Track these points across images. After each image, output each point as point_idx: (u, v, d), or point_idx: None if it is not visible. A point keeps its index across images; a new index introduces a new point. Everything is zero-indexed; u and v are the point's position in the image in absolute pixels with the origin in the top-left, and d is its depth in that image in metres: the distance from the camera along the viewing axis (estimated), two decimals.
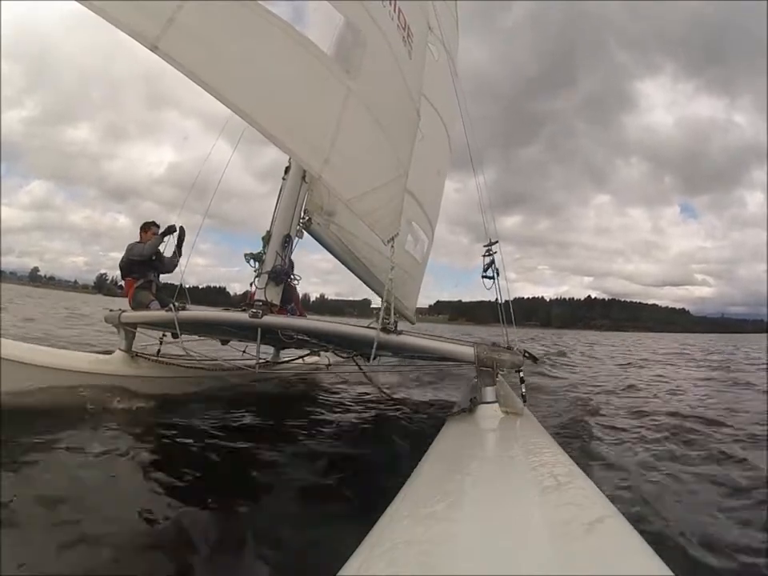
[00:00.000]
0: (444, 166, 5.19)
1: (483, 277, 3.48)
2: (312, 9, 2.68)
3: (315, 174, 2.05)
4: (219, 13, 1.76)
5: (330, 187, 2.12)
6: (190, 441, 2.75)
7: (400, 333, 2.42)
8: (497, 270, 3.43)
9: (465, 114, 4.26)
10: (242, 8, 1.83)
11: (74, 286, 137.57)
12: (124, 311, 3.53)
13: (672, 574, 0.75)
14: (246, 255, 3.23)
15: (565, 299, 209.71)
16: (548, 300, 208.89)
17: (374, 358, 2.61)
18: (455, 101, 4.46)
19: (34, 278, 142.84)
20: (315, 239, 3.71)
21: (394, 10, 2.69)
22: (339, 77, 2.23)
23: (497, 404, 2.17)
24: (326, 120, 2.12)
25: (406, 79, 2.76)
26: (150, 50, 1.49)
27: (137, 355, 3.57)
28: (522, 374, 2.41)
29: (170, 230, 3.97)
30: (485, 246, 3.57)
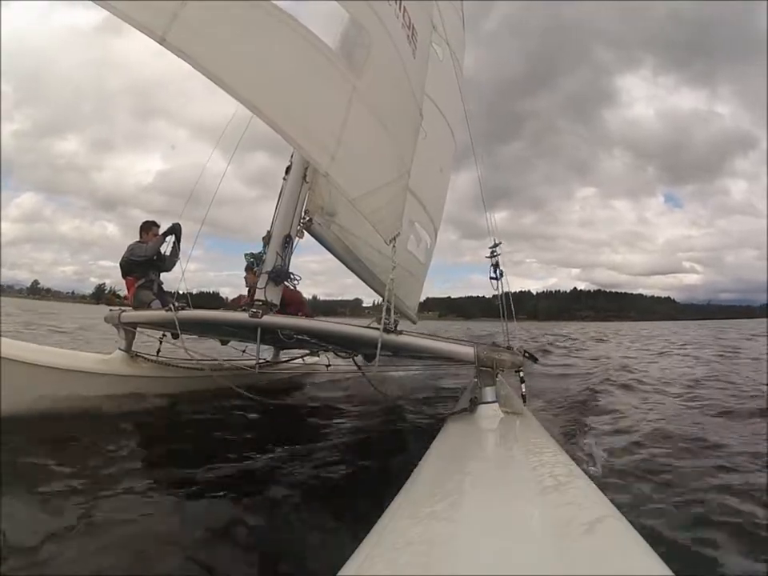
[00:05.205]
0: (447, 163, 5.15)
1: (491, 278, 3.50)
2: (316, 5, 2.67)
3: (322, 172, 2.02)
4: (225, 9, 1.76)
5: (336, 185, 2.10)
6: (190, 441, 2.75)
7: (400, 333, 2.41)
8: (501, 271, 3.45)
9: (468, 113, 4.26)
10: (248, 5, 1.83)
11: (72, 297, 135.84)
12: (124, 311, 3.52)
13: (672, 573, 0.75)
14: (246, 255, 3.21)
15: (551, 292, 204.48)
16: (535, 293, 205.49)
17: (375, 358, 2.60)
18: (459, 100, 4.45)
19: (34, 291, 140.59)
20: (316, 239, 3.69)
21: (399, 9, 2.68)
22: (345, 74, 2.21)
23: (497, 404, 2.16)
24: (333, 117, 2.10)
25: (409, 78, 2.74)
26: (159, 43, 1.52)
27: (136, 355, 3.56)
28: (522, 374, 2.40)
29: (172, 229, 3.98)
30: (490, 248, 3.57)
